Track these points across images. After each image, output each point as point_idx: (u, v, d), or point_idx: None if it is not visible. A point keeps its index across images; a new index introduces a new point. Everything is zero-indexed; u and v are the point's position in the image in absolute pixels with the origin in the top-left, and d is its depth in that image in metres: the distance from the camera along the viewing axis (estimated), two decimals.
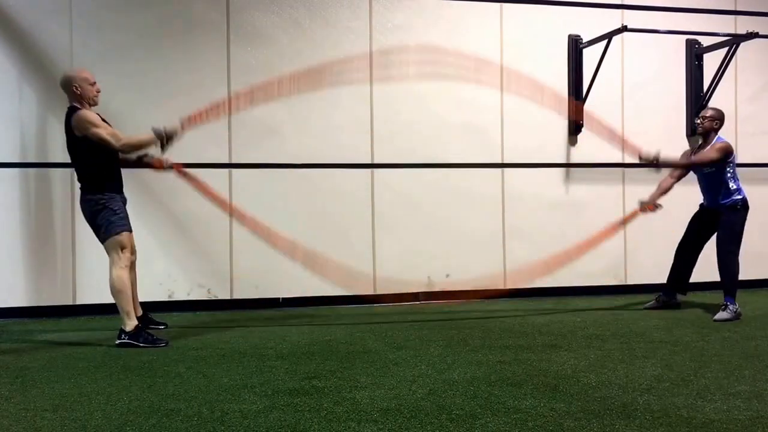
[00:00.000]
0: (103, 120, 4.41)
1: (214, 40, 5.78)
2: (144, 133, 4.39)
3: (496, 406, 2.86)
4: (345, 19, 6.03)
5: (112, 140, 4.26)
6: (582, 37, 6.41)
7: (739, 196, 5.15)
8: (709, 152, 5.13)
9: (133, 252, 4.50)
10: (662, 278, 5.68)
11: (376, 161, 6.06)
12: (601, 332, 4.56)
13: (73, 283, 5.51)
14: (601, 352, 3.95)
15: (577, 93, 6.39)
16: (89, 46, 5.57)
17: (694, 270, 5.55)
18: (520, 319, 5.19)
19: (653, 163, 5.17)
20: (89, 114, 4.29)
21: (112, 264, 4.28)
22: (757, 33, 6.05)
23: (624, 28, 5.90)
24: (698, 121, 5.34)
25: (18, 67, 5.49)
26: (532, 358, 3.80)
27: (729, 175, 5.14)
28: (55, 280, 5.55)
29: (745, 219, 5.19)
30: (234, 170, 5.82)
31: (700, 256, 5.44)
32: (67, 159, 5.48)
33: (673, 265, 5.55)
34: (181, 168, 4.73)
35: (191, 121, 4.57)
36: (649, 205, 5.35)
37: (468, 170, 6.23)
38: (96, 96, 4.42)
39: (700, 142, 5.38)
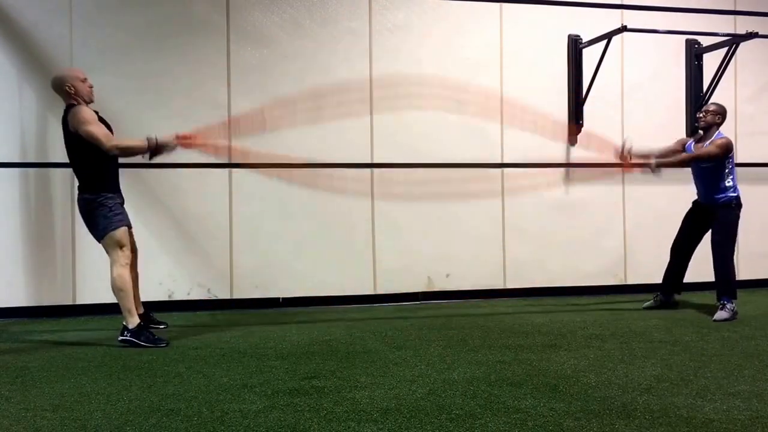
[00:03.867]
0: (101, 119, 4.35)
1: (214, 40, 5.78)
2: (137, 139, 4.30)
3: (496, 406, 2.86)
4: (345, 19, 6.02)
5: (103, 140, 4.16)
6: (582, 37, 6.41)
7: (734, 194, 5.12)
8: (710, 147, 5.07)
9: (133, 250, 4.49)
10: (661, 278, 5.67)
11: (375, 161, 6.07)
12: (601, 332, 4.56)
13: (73, 283, 5.51)
14: (601, 352, 3.95)
15: (576, 93, 6.39)
16: (89, 46, 5.57)
17: (693, 270, 5.54)
18: (520, 319, 5.18)
19: (653, 169, 5.11)
20: (85, 111, 4.21)
21: (112, 263, 4.27)
22: (757, 33, 6.04)
23: (624, 28, 5.89)
24: (700, 115, 5.27)
25: (18, 67, 5.48)
26: (532, 358, 3.81)
27: (726, 171, 5.11)
28: (55, 280, 5.55)
29: (738, 217, 5.16)
30: (234, 170, 5.82)
31: (697, 256, 5.43)
32: (68, 159, 5.54)
33: (669, 264, 5.54)
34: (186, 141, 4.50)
35: (186, 138, 4.46)
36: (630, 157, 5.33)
37: (468, 170, 6.23)
38: (90, 93, 4.33)
39: (700, 135, 5.32)
